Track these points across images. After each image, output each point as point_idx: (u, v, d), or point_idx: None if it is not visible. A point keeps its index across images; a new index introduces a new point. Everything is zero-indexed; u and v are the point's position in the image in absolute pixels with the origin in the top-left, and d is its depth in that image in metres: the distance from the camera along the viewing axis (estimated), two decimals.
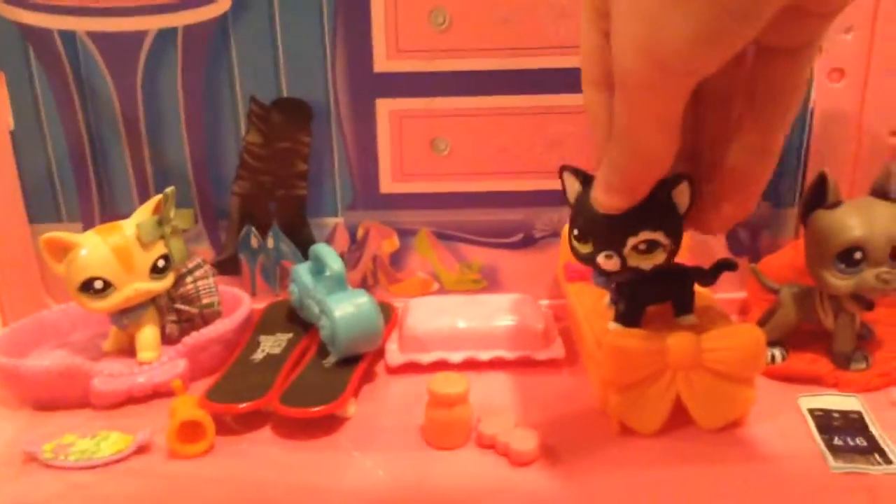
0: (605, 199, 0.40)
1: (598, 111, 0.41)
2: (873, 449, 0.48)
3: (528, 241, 0.66)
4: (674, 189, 0.41)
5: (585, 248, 0.44)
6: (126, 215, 0.60)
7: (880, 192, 0.52)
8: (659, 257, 0.43)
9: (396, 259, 0.66)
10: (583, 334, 0.56)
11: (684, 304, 0.50)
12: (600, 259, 0.43)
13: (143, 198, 0.63)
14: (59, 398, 0.55)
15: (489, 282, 0.67)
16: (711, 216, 0.42)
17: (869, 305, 0.54)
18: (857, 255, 0.51)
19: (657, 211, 0.41)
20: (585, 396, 0.55)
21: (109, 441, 0.51)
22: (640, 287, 0.49)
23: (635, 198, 0.40)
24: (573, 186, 0.44)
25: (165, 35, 0.59)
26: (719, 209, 0.42)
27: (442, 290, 0.67)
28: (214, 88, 0.61)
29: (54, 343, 0.62)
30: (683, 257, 0.48)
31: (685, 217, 0.43)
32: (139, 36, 0.59)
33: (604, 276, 0.48)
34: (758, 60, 0.38)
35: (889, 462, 0.47)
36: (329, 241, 0.65)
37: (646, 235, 0.42)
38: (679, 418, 0.49)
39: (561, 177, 0.45)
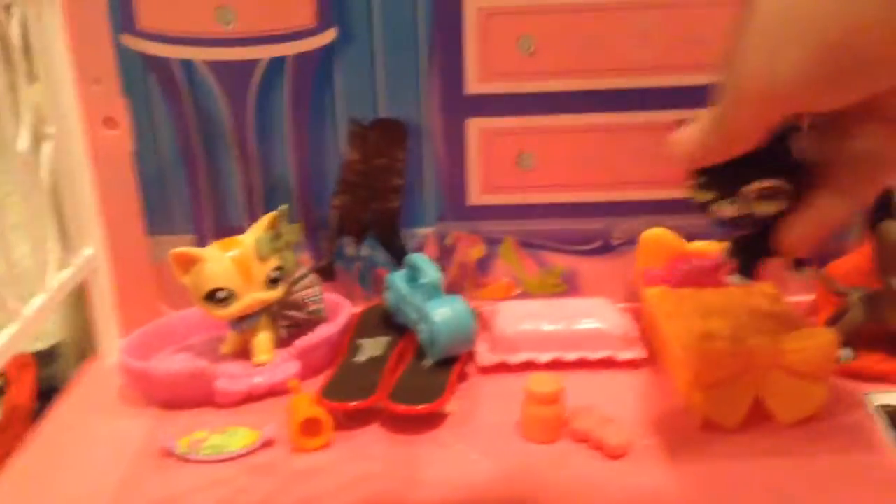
0: (677, 144, 0.41)
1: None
2: None
3: (606, 248, 0.70)
4: (792, 138, 0.42)
5: (707, 196, 0.44)
6: (236, 227, 0.65)
7: None
8: (781, 204, 0.43)
9: (482, 265, 0.71)
10: (664, 336, 0.61)
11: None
12: (722, 205, 0.44)
13: (252, 211, 0.68)
14: (184, 398, 0.60)
15: (569, 286, 0.71)
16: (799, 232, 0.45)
17: None
18: None
19: (776, 158, 0.42)
20: (667, 394, 0.59)
21: (238, 436, 0.56)
22: (757, 241, 0.51)
23: (703, 161, 0.41)
24: None
25: (276, 63, 0.64)
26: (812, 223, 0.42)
27: (524, 294, 0.71)
28: (319, 110, 0.66)
29: (175, 347, 0.67)
30: None
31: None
32: (252, 64, 0.64)
33: (724, 225, 0.50)
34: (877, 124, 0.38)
35: None
36: (420, 249, 0.70)
37: (766, 182, 0.42)
38: (757, 414, 0.53)
39: None
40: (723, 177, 0.44)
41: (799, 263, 0.53)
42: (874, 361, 0.59)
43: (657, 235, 0.66)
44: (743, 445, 0.53)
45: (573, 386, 0.59)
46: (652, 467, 0.51)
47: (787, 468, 0.51)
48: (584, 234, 0.69)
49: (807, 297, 0.65)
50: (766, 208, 0.44)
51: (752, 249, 0.51)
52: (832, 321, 0.61)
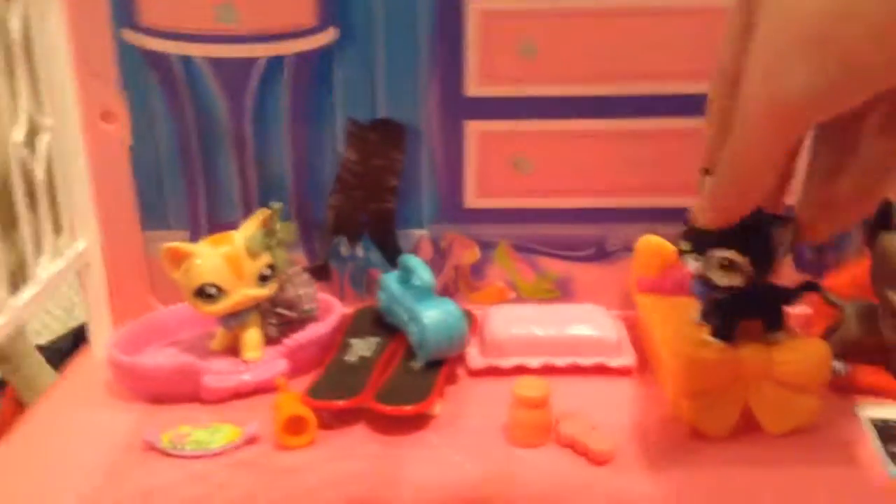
0: (699, 214, 0.44)
1: (715, 109, 0.44)
2: None
3: (601, 255, 0.69)
4: (775, 228, 0.45)
5: (685, 247, 0.48)
6: (230, 223, 0.65)
7: None
8: (735, 279, 0.47)
9: (477, 269, 0.70)
10: (655, 344, 0.60)
11: (775, 321, 0.53)
12: (689, 259, 0.48)
13: (247, 208, 0.68)
14: (171, 393, 0.59)
15: (562, 292, 0.71)
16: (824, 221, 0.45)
17: None
18: None
19: (751, 238, 0.45)
20: (656, 401, 0.59)
21: (222, 433, 0.55)
22: (734, 303, 0.52)
23: (725, 221, 0.43)
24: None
25: (275, 61, 0.64)
26: (836, 214, 0.44)
27: (518, 299, 0.71)
28: (317, 109, 0.66)
29: (164, 342, 0.67)
30: None
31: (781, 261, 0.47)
32: (251, 61, 0.64)
33: (702, 286, 0.52)
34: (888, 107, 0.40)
35: None
36: (415, 251, 0.69)
37: (729, 254, 0.46)
38: (746, 424, 0.53)
39: (702, 176, 0.47)
40: (700, 234, 0.46)
41: (802, 289, 0.54)
42: (867, 374, 0.59)
43: (652, 243, 0.65)
44: (730, 455, 0.52)
45: (563, 391, 0.59)
46: (636, 474, 0.51)
47: (774, 479, 0.50)
48: (579, 240, 0.69)
49: (803, 310, 0.64)
50: (722, 279, 0.46)
51: (727, 313, 0.52)
52: (827, 333, 0.60)
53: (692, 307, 0.58)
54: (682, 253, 0.48)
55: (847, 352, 0.59)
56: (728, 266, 0.46)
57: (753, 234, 0.45)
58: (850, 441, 0.54)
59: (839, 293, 0.61)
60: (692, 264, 0.48)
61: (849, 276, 0.62)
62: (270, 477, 0.51)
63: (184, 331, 0.68)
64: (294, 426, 0.54)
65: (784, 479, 0.50)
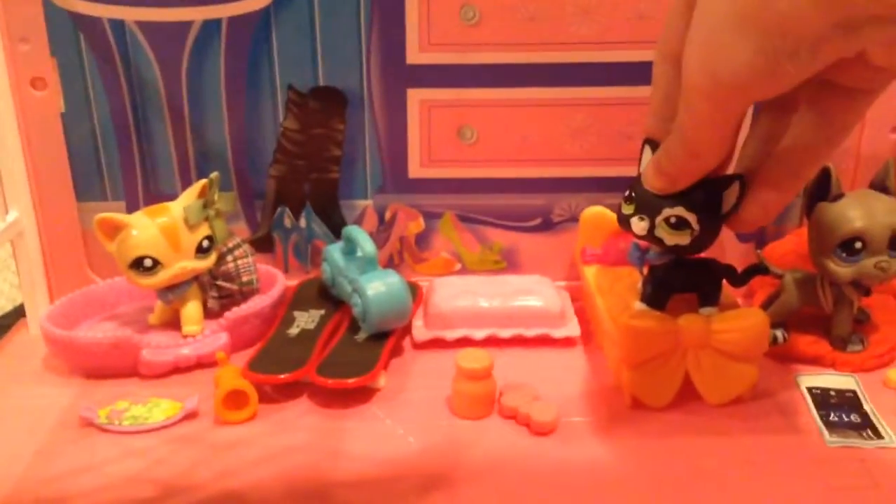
0: (651, 178, 0.44)
1: (659, 79, 0.44)
2: (866, 425, 0.52)
3: (547, 225, 0.69)
4: (725, 189, 0.45)
5: (628, 210, 0.48)
6: (168, 194, 0.64)
7: (880, 186, 0.56)
8: (683, 238, 0.46)
9: (422, 240, 0.70)
10: (598, 314, 0.60)
11: (709, 297, 0.53)
12: (634, 220, 0.47)
13: (185, 178, 0.67)
14: (109, 367, 0.58)
15: (509, 263, 0.70)
16: (752, 208, 0.45)
17: (866, 291, 0.57)
18: (858, 244, 0.54)
19: (701, 198, 0.45)
20: (600, 372, 0.59)
21: (160, 408, 0.54)
22: (670, 273, 0.52)
23: (677, 185, 0.44)
24: (647, 156, 0.47)
25: (210, 25, 0.62)
26: (763, 200, 0.45)
27: (464, 271, 0.70)
28: (255, 76, 0.64)
29: (102, 316, 0.65)
30: None
31: (727, 219, 0.46)
32: (185, 25, 0.62)
33: (639, 253, 0.52)
34: (821, 91, 0.40)
35: (880, 437, 0.51)
36: (359, 222, 0.68)
37: (680, 211, 0.45)
38: (687, 393, 0.53)
39: (642, 147, 0.47)
40: (647, 195, 0.46)
41: (750, 273, 0.55)
42: (806, 343, 0.59)
43: (596, 214, 0.65)
44: (671, 424, 0.53)
45: (508, 363, 0.59)
46: (578, 444, 0.51)
47: (714, 447, 0.51)
48: (524, 210, 0.69)
49: None
50: (668, 236, 0.46)
51: (662, 283, 0.52)
52: (767, 303, 0.61)
53: (634, 277, 0.58)
54: (624, 217, 0.48)
55: (787, 320, 0.60)
56: (675, 224, 0.46)
57: (700, 192, 0.45)
58: (789, 409, 0.54)
59: (779, 263, 0.61)
60: (638, 225, 0.47)
61: (789, 246, 0.63)
62: (210, 452, 0.51)
63: (122, 304, 0.67)
64: (234, 400, 0.53)
65: (723, 448, 0.50)
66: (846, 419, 0.53)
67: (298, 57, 0.63)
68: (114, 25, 0.62)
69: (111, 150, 0.66)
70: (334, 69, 0.64)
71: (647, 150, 0.46)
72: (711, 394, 0.53)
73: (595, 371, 0.60)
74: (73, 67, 0.63)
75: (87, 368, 0.59)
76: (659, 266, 0.53)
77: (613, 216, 0.64)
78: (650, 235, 0.47)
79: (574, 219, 0.68)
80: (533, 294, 0.64)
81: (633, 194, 0.47)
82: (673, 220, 0.46)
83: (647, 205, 0.46)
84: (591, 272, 0.64)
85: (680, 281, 0.53)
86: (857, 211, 0.54)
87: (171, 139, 0.66)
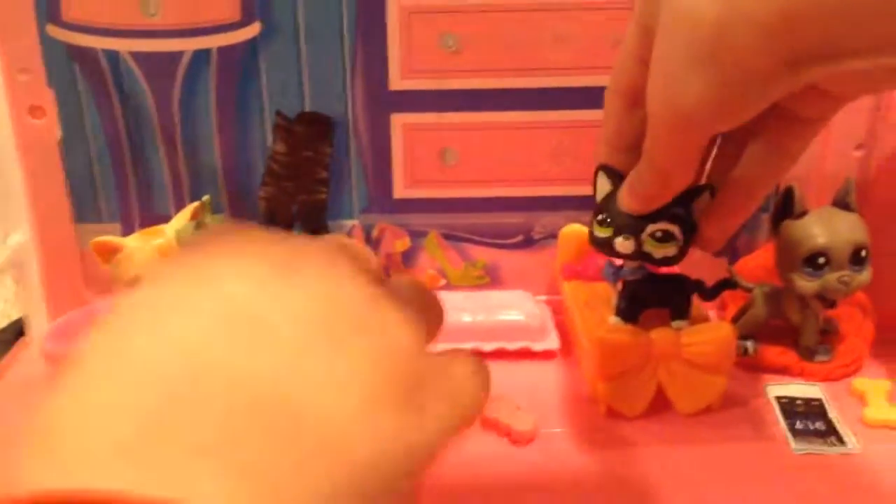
0: (626, 201, 0.45)
1: (610, 113, 0.45)
2: (831, 432, 0.54)
3: (528, 242, 0.71)
4: (697, 198, 0.47)
5: (605, 233, 0.48)
6: (162, 216, 0.66)
7: (842, 203, 0.58)
8: (670, 250, 0.47)
9: (407, 257, 0.72)
10: (576, 328, 0.63)
11: (680, 310, 0.55)
12: (618, 241, 0.48)
13: (178, 200, 0.69)
14: None
15: (491, 279, 0.73)
16: (711, 230, 0.47)
17: (832, 304, 0.60)
18: (821, 260, 0.56)
19: (679, 210, 0.46)
20: (577, 383, 0.61)
21: None
22: (643, 288, 0.55)
23: (651, 207, 0.45)
24: (604, 185, 0.48)
25: (200, 55, 0.65)
26: (721, 223, 0.46)
27: (448, 286, 0.73)
28: (244, 103, 0.67)
29: None
30: None
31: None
32: (177, 55, 0.65)
33: (613, 269, 0.55)
34: (772, 119, 0.41)
35: (843, 444, 0.53)
36: None
37: (664, 225, 0.47)
38: (660, 403, 0.55)
39: (596, 174, 0.49)
40: (624, 216, 0.48)
41: (720, 287, 0.57)
42: (775, 354, 0.62)
43: (575, 231, 0.67)
44: (645, 433, 0.55)
45: (492, 376, 0.61)
46: (557, 452, 0.53)
47: (687, 455, 0.53)
48: (505, 228, 0.71)
49: None
50: (657, 250, 0.48)
51: (634, 297, 0.55)
52: (738, 315, 0.63)
53: (610, 292, 0.60)
54: (603, 240, 0.49)
55: (756, 332, 0.62)
56: (662, 238, 0.47)
57: (676, 205, 0.46)
58: (758, 418, 0.57)
59: (749, 277, 0.64)
60: (624, 245, 0.48)
61: (758, 261, 0.65)
62: None
63: None
64: None
65: (694, 456, 0.53)
66: (812, 427, 0.55)
67: (285, 84, 0.66)
68: (108, 56, 0.65)
69: (107, 174, 0.68)
70: (320, 95, 0.66)
71: (602, 175, 0.48)
72: (683, 403, 0.56)
73: (573, 382, 0.62)
74: (70, 96, 0.66)
75: None
76: (632, 281, 0.55)
77: None
78: (638, 253, 0.48)
79: (553, 236, 0.70)
80: (514, 308, 0.67)
81: (608, 218, 0.48)
82: (659, 234, 0.47)
83: (628, 225, 0.47)
84: (570, 287, 0.66)
85: (652, 296, 0.55)
86: (820, 228, 0.57)
87: (164, 163, 0.68)
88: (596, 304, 0.62)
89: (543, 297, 0.71)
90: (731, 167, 0.45)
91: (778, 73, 0.33)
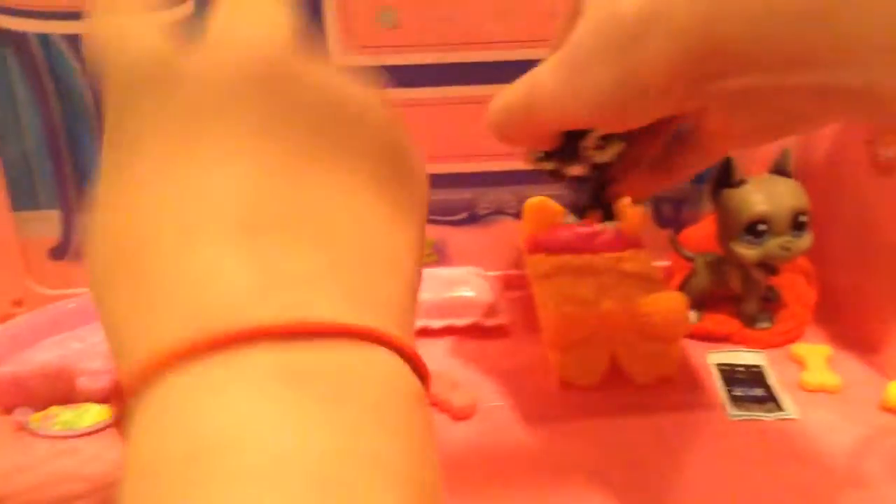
0: (487, 122, 0.43)
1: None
2: (769, 398, 0.55)
3: (474, 219, 0.71)
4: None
5: (552, 165, 0.46)
6: None
7: (779, 170, 0.59)
8: (617, 146, 0.44)
9: None
10: (536, 301, 0.62)
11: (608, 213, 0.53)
12: (571, 170, 0.46)
13: None
14: (44, 398, 0.57)
15: (439, 256, 0.72)
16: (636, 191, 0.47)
17: (773, 271, 0.60)
18: (762, 227, 0.57)
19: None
20: (533, 357, 0.61)
21: (91, 413, 0.55)
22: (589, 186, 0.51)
23: (504, 134, 0.43)
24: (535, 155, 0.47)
25: None
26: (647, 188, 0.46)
27: None
28: None
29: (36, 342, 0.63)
30: None
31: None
32: None
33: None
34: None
35: (782, 410, 0.53)
36: None
37: (596, 133, 0.43)
38: (616, 374, 0.56)
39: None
40: (557, 149, 0.46)
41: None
42: (718, 322, 0.62)
43: (540, 203, 0.67)
44: (598, 405, 0.55)
45: (441, 353, 0.61)
46: (500, 427, 0.53)
47: (636, 425, 0.53)
48: (451, 204, 0.71)
49: (662, 263, 0.67)
50: (606, 155, 0.46)
51: (586, 192, 0.53)
52: (682, 285, 0.63)
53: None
54: (555, 172, 0.47)
55: (699, 301, 0.62)
56: (602, 144, 0.44)
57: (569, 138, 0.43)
58: (699, 387, 0.57)
59: (693, 247, 0.64)
60: (574, 168, 0.45)
61: (702, 231, 0.65)
62: None
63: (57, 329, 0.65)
64: None
65: (638, 425, 0.53)
66: (751, 393, 0.55)
67: None
68: (40, 39, 0.63)
69: (44, 160, 0.67)
70: None
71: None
72: (637, 374, 0.56)
73: (528, 356, 0.61)
74: (2, 82, 0.64)
75: (23, 400, 0.57)
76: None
77: (555, 205, 0.67)
78: (592, 169, 0.46)
79: (500, 211, 0.70)
80: (464, 285, 0.67)
81: (544, 153, 0.46)
82: (596, 142, 0.44)
83: (564, 150, 0.45)
84: (533, 260, 0.66)
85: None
86: (760, 195, 0.57)
87: (100, 147, 0.67)
88: (556, 276, 0.61)
89: (494, 273, 0.71)
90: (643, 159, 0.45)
91: (679, 84, 0.32)
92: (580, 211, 0.53)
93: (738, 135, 0.37)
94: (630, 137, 0.44)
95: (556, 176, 0.48)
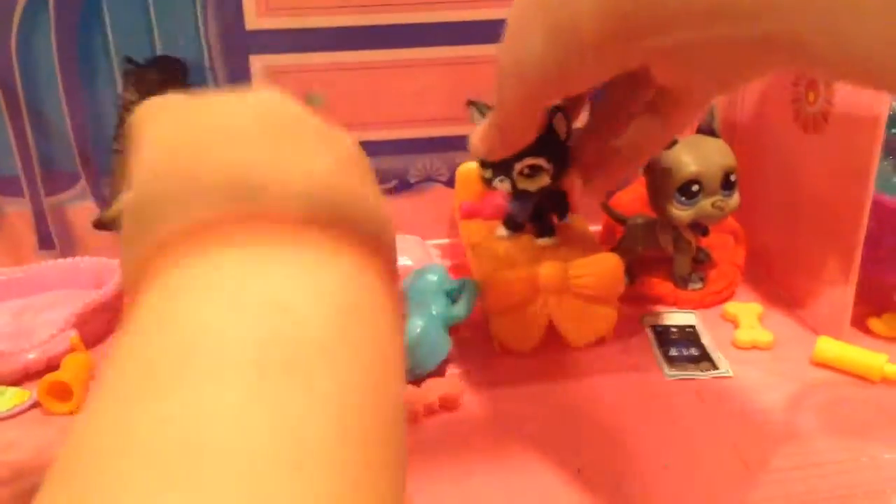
0: (473, 147, 0.44)
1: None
2: (704, 357, 0.55)
3: (404, 186, 0.70)
4: (553, 119, 0.47)
5: (488, 174, 0.52)
6: (10, 178, 0.61)
7: (707, 130, 0.58)
8: (543, 180, 0.50)
9: None
10: (471, 267, 0.61)
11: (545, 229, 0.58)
12: (496, 182, 0.51)
13: (26, 162, 0.64)
14: None
15: None
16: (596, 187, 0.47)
17: (704, 231, 0.60)
18: (695, 187, 0.56)
19: (539, 140, 0.45)
20: (468, 323, 0.58)
21: (6, 396, 0.52)
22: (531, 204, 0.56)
23: (494, 156, 0.45)
24: (478, 119, 0.49)
25: (36, 1, 0.60)
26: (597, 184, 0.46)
27: None
28: (89, 50, 0.62)
29: None
30: None
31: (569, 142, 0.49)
32: (11, 2, 0.59)
33: (517, 202, 0.56)
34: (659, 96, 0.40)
35: (716, 368, 0.54)
36: None
37: (529, 161, 0.49)
38: (554, 337, 0.55)
39: (469, 109, 0.50)
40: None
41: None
42: (651, 284, 0.62)
43: (472, 170, 0.65)
44: (535, 368, 0.55)
45: None
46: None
47: (573, 388, 0.53)
48: (380, 173, 0.68)
49: (594, 227, 0.67)
50: (530, 185, 0.50)
51: (526, 210, 0.57)
52: (615, 248, 0.63)
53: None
54: (488, 181, 0.52)
55: (632, 263, 0.62)
56: (530, 173, 0.50)
57: (541, 135, 0.45)
58: (635, 348, 0.57)
59: (626, 210, 0.64)
60: (501, 186, 0.51)
61: (635, 193, 0.65)
62: (62, 434, 0.49)
63: None
64: (58, 392, 0.51)
65: (578, 387, 0.53)
66: (685, 353, 0.55)
67: (132, 27, 0.61)
68: None
69: None
70: (171, 38, 0.62)
71: (474, 110, 0.49)
72: (573, 337, 0.55)
73: (466, 322, 0.60)
74: None
75: None
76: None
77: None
78: (515, 190, 0.51)
79: (430, 178, 0.68)
80: (403, 254, 0.65)
81: (481, 160, 0.51)
82: (526, 170, 0.49)
83: (500, 166, 0.50)
84: (467, 226, 0.64)
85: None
86: (690, 156, 0.57)
87: (7, 123, 0.63)
88: (492, 242, 0.60)
89: (431, 241, 0.69)
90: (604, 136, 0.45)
91: (610, 42, 0.32)
92: (516, 226, 0.58)
93: (685, 90, 0.37)
94: (590, 129, 0.46)
95: (487, 184, 0.52)
